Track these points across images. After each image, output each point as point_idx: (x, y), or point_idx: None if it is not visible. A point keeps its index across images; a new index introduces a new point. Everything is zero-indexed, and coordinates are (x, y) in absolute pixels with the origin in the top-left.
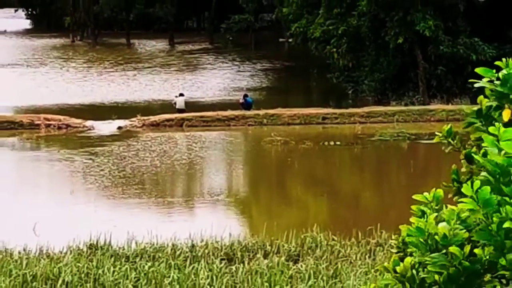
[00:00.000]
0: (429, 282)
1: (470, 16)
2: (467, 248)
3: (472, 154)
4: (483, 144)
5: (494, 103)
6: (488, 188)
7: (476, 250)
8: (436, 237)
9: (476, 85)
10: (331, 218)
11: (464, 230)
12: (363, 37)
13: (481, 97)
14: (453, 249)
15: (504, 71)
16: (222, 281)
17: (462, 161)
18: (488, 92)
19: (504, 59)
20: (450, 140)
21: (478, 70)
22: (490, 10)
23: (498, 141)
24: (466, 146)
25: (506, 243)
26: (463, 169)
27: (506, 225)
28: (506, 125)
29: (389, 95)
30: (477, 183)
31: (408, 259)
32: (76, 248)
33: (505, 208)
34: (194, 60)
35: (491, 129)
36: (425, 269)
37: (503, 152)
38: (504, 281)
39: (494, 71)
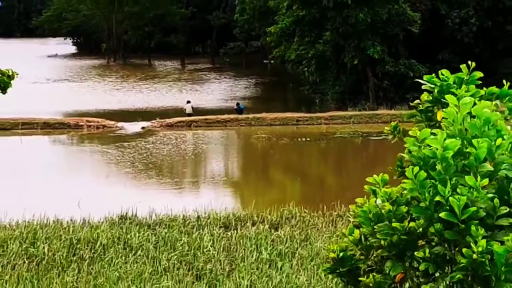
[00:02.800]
0: (376, 246)
1: (408, 43)
2: (406, 223)
3: (401, 153)
4: (405, 145)
5: (431, 104)
6: (423, 172)
7: (412, 224)
8: (383, 210)
9: (423, 87)
10: (303, 196)
11: (404, 206)
12: (327, 59)
13: (424, 95)
14: (395, 224)
15: (440, 81)
16: (221, 243)
17: (405, 150)
18: (427, 95)
19: (445, 70)
20: (395, 133)
21: (426, 77)
22: (424, 38)
23: (417, 140)
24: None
25: (434, 215)
26: (406, 157)
27: (436, 198)
28: (438, 122)
29: (347, 103)
30: (416, 169)
31: (357, 230)
32: (110, 219)
33: (432, 188)
34: (200, 77)
35: (411, 132)
36: (374, 236)
37: (422, 146)
38: (433, 243)
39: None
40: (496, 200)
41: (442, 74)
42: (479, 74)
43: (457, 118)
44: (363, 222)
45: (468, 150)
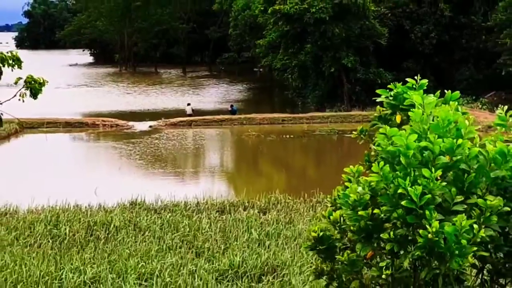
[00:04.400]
0: (348, 229)
1: (377, 54)
2: (370, 210)
3: (371, 145)
4: (377, 139)
5: (389, 111)
6: (387, 167)
7: (375, 211)
8: (351, 199)
9: (378, 100)
10: (287, 185)
11: (369, 194)
12: (308, 67)
13: (378, 107)
14: (361, 212)
15: (395, 91)
16: (217, 225)
17: (372, 147)
18: (385, 104)
19: (396, 83)
20: (362, 136)
21: (379, 91)
22: (390, 50)
23: (387, 137)
24: (373, 138)
25: (398, 201)
26: (372, 153)
27: (399, 190)
28: (398, 125)
29: (325, 105)
30: (381, 163)
31: (338, 212)
32: (122, 204)
33: (397, 180)
34: (200, 83)
35: (381, 130)
36: (349, 219)
37: (390, 141)
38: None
39: (388, 91)
40: (454, 189)
41: (395, 86)
42: (425, 81)
43: (423, 118)
44: (343, 205)
45: (425, 144)
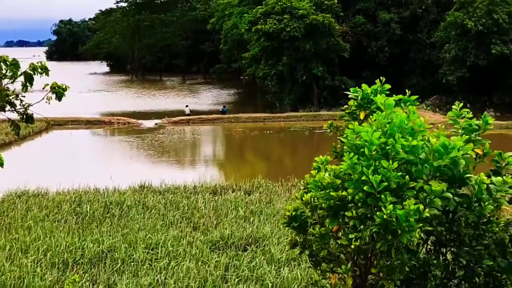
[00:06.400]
0: (319, 206)
1: (341, 64)
2: (340, 192)
3: (339, 138)
4: (343, 136)
5: (355, 108)
6: (355, 157)
7: (344, 193)
8: (324, 181)
9: (349, 96)
10: (268, 171)
11: (339, 180)
12: (284, 76)
13: (351, 101)
14: (332, 193)
15: (362, 92)
16: (210, 204)
17: (340, 140)
18: (353, 101)
19: (363, 85)
20: (331, 128)
21: (352, 89)
22: (352, 62)
23: (354, 132)
24: (340, 131)
25: (361, 186)
26: (339, 145)
27: (363, 177)
28: (362, 120)
29: (298, 106)
30: (351, 154)
31: (309, 194)
32: (133, 187)
33: (361, 167)
34: (196, 88)
35: (350, 125)
36: (318, 199)
37: (357, 136)
38: (360, 204)
39: (356, 92)
40: (407, 177)
41: (361, 88)
42: (388, 86)
43: (384, 122)
44: (313, 188)
45: (389, 141)
